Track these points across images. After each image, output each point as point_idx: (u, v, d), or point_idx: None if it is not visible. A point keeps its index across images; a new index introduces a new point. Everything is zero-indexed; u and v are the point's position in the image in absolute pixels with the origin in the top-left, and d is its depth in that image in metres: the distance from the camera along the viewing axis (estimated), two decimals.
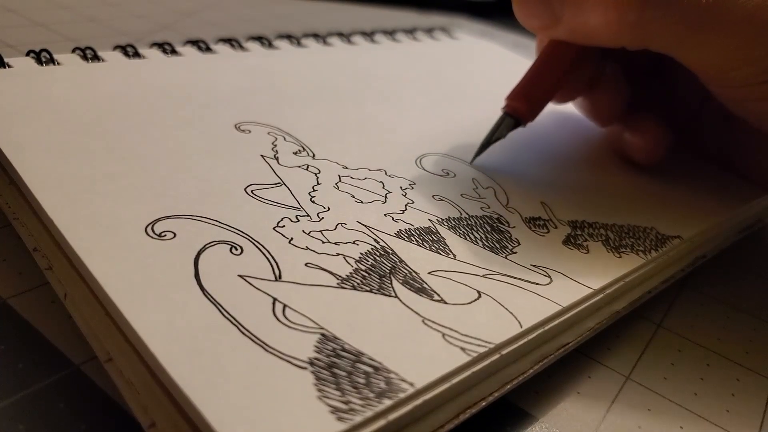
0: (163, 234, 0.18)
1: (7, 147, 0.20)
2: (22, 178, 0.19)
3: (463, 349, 0.16)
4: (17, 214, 0.20)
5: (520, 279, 0.19)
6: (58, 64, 0.26)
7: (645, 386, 0.20)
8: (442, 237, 0.20)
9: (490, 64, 0.39)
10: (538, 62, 0.26)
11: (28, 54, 0.26)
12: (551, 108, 0.34)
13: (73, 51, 0.27)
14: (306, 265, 0.18)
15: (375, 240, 0.19)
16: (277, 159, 0.23)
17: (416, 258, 0.19)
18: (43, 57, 0.26)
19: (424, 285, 0.18)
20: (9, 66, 0.25)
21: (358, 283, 0.17)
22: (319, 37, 0.36)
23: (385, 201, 0.22)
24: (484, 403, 0.17)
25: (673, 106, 0.30)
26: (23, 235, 0.20)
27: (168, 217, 0.18)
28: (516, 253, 0.20)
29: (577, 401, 0.19)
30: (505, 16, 0.65)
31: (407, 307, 0.17)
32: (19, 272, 0.20)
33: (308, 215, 0.20)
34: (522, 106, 0.25)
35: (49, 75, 0.25)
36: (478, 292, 0.18)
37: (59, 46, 0.32)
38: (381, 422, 0.14)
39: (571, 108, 0.35)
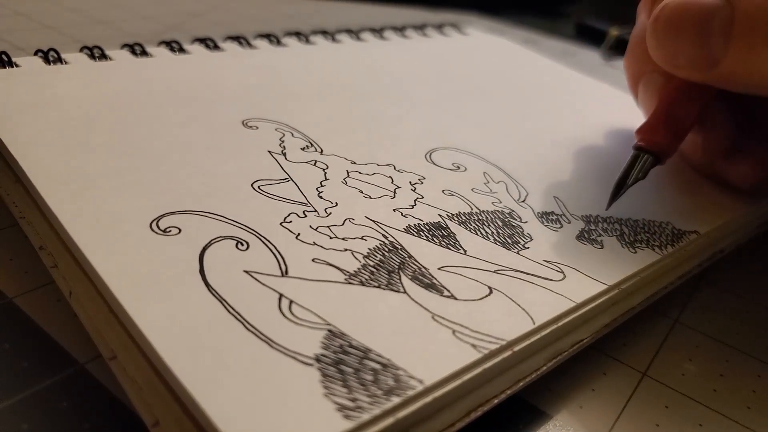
0: (168, 230, 0.17)
1: (13, 145, 0.20)
2: (27, 176, 0.19)
3: (474, 345, 0.15)
4: (24, 213, 0.20)
5: (533, 275, 0.19)
6: (66, 63, 0.26)
7: (662, 383, 0.20)
8: (452, 232, 0.20)
9: (501, 59, 0.39)
10: (677, 90, 0.24)
11: (35, 53, 0.26)
12: (562, 103, 0.33)
13: (81, 50, 0.27)
14: (313, 260, 0.17)
15: (383, 235, 0.19)
16: (284, 155, 0.22)
17: (426, 253, 0.19)
18: (50, 56, 0.26)
19: (434, 281, 0.18)
20: (16, 65, 0.25)
21: (366, 279, 0.17)
22: (328, 34, 0.35)
23: (394, 196, 0.21)
24: (496, 401, 0.16)
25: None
26: (29, 233, 0.20)
27: (173, 213, 0.18)
28: (528, 248, 0.20)
29: (593, 399, 0.19)
30: (516, 12, 0.65)
31: (416, 302, 0.17)
32: (25, 271, 0.20)
33: (316, 210, 0.20)
34: (663, 140, 0.22)
35: (56, 73, 0.25)
36: (490, 287, 0.18)
37: (68, 48, 0.32)
38: (389, 420, 0.13)
39: (580, 101, 0.34)
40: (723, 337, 0.22)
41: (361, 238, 0.19)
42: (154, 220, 0.18)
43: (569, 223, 0.22)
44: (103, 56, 0.27)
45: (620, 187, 0.22)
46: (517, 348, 0.16)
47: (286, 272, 0.17)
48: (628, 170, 0.22)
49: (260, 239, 0.18)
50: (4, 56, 0.25)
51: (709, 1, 0.20)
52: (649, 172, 0.22)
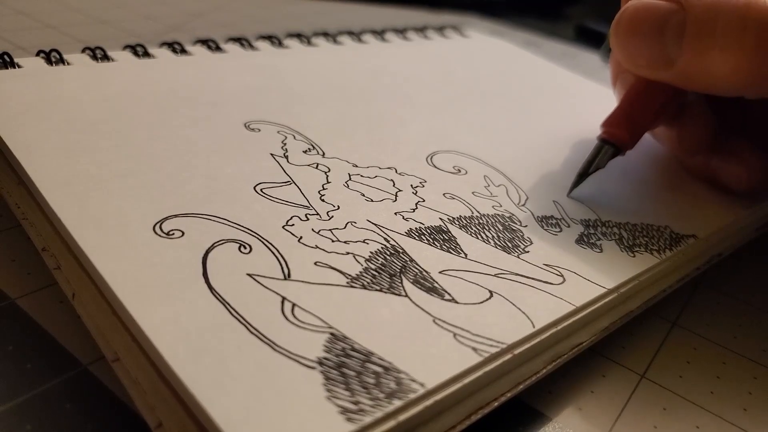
0: (171, 233, 0.17)
1: (15, 147, 0.20)
2: (30, 178, 0.19)
3: (474, 349, 0.16)
4: (26, 215, 0.20)
5: (533, 278, 0.19)
6: (68, 64, 0.26)
7: (660, 385, 0.20)
8: (453, 236, 0.20)
9: (502, 61, 0.39)
10: (638, 87, 0.25)
11: (37, 54, 0.26)
12: (562, 106, 0.34)
13: (83, 51, 0.27)
14: (315, 263, 0.17)
15: (385, 239, 0.19)
16: (286, 157, 0.22)
17: (427, 257, 0.19)
18: (52, 57, 0.26)
19: (435, 284, 0.18)
20: (19, 66, 0.25)
21: (368, 282, 0.17)
22: (330, 36, 0.35)
23: (396, 199, 0.21)
24: (496, 404, 0.16)
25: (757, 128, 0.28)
26: (32, 235, 0.20)
27: (176, 216, 0.18)
28: (528, 252, 0.20)
29: (591, 400, 0.19)
30: (517, 14, 0.65)
31: (418, 306, 0.17)
32: (28, 272, 0.20)
33: (318, 214, 0.20)
34: (623, 133, 0.24)
35: (58, 75, 0.25)
36: (490, 291, 0.18)
37: (70, 48, 0.32)
38: (391, 423, 0.14)
39: (580, 104, 0.34)
40: (720, 339, 0.22)
41: (363, 242, 0.19)
42: (158, 222, 0.18)
43: (569, 227, 0.22)
44: (105, 57, 0.27)
45: (582, 176, 0.24)
46: (517, 351, 0.16)
47: (289, 275, 0.17)
48: (591, 160, 0.24)
49: (263, 242, 0.18)
50: (6, 57, 0.25)
51: (663, 4, 0.21)
52: (608, 162, 0.24)
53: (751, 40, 0.20)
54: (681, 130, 0.27)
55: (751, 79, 0.20)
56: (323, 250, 0.18)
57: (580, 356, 0.19)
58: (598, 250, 0.21)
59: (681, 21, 0.21)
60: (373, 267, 0.18)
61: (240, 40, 0.32)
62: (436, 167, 0.24)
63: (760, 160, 0.26)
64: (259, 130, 0.24)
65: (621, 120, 0.24)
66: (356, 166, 0.23)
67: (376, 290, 0.17)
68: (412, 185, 0.22)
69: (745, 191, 0.26)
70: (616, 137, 0.24)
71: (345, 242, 0.19)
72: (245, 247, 0.18)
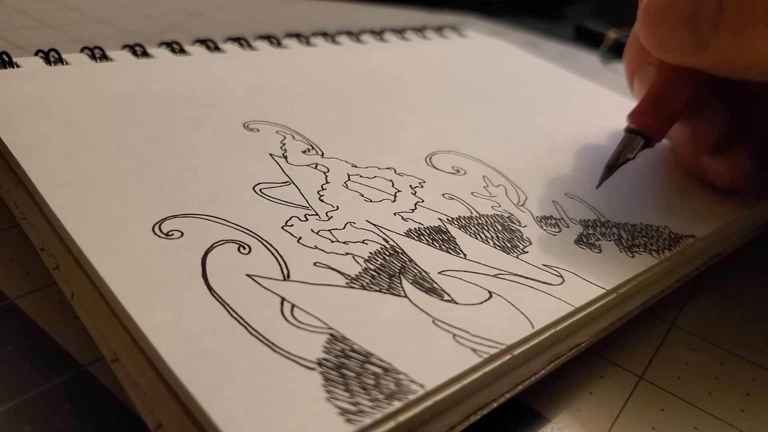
0: (170, 233, 0.17)
1: (14, 146, 0.20)
2: (29, 178, 0.19)
3: (474, 350, 0.16)
4: (25, 214, 0.20)
5: (532, 279, 0.19)
6: (67, 63, 0.26)
7: (658, 386, 0.20)
8: (452, 236, 0.20)
9: (501, 62, 0.39)
10: (665, 76, 0.24)
11: (36, 54, 0.26)
12: (561, 107, 0.34)
13: (82, 50, 0.27)
14: (315, 264, 0.17)
15: (384, 239, 0.19)
16: (285, 158, 0.22)
17: (426, 257, 0.19)
18: (51, 57, 0.26)
19: (435, 285, 0.18)
20: (17, 66, 0.25)
21: (367, 283, 0.17)
22: (328, 35, 0.35)
23: (395, 200, 0.21)
24: (495, 405, 0.16)
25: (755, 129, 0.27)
26: (31, 235, 0.20)
27: (175, 216, 0.18)
28: (527, 252, 0.20)
29: (590, 401, 0.19)
30: (516, 14, 0.65)
31: (417, 307, 0.17)
32: (27, 272, 0.20)
33: (317, 214, 0.20)
34: (652, 122, 0.23)
35: (57, 74, 0.25)
36: (489, 292, 0.18)
37: (68, 47, 0.32)
38: (390, 424, 0.14)
39: (579, 105, 0.34)
40: (718, 340, 0.22)
41: (362, 242, 0.19)
42: (157, 223, 0.18)
43: (568, 227, 0.22)
44: (104, 57, 0.27)
45: (611, 168, 0.23)
46: (516, 352, 0.16)
47: (288, 276, 0.17)
48: (619, 151, 0.23)
49: (262, 243, 0.18)
50: (5, 56, 0.25)
51: None
52: (638, 153, 0.23)
53: None
54: (697, 127, 0.26)
55: None
56: (322, 250, 0.18)
57: (578, 357, 0.19)
58: (597, 251, 0.21)
59: (717, 2, 0.20)
60: (372, 267, 0.18)
61: (239, 40, 0.32)
62: (435, 167, 0.24)
63: (749, 158, 0.25)
64: (258, 131, 0.24)
65: (648, 109, 0.23)
66: (355, 167, 0.23)
67: (376, 291, 0.17)
68: (411, 185, 0.22)
69: (730, 189, 0.26)
70: (645, 126, 0.23)
71: (344, 243, 0.19)
72: (245, 248, 0.18)
